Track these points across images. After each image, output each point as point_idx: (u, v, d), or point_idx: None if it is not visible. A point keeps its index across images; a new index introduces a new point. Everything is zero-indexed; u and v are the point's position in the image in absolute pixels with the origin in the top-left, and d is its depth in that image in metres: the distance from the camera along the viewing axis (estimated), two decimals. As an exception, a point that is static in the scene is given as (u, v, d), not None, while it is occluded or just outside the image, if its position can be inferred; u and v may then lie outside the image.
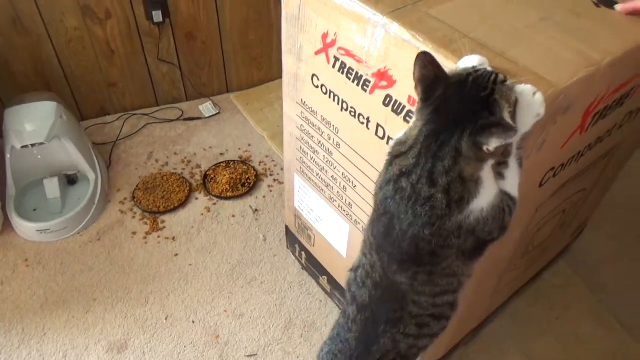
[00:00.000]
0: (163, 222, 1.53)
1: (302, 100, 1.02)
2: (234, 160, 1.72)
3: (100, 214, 1.55)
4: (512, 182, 0.67)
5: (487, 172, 0.62)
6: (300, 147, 1.12)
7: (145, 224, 1.52)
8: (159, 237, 1.49)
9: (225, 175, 1.65)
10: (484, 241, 0.68)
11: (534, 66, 0.67)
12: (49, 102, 1.52)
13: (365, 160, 0.92)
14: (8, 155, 1.48)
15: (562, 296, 1.36)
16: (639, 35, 0.75)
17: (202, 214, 1.56)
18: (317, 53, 0.91)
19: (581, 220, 1.31)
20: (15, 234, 1.48)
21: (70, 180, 1.60)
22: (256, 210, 1.57)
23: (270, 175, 1.69)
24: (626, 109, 0.89)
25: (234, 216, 1.55)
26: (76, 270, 1.39)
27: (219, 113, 1.93)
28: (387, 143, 0.84)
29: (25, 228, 1.45)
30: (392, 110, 0.80)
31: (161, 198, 1.58)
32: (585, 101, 0.73)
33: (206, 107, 1.94)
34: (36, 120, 1.47)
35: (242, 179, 1.65)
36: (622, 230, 1.54)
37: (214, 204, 1.59)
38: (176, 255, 1.44)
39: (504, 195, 0.66)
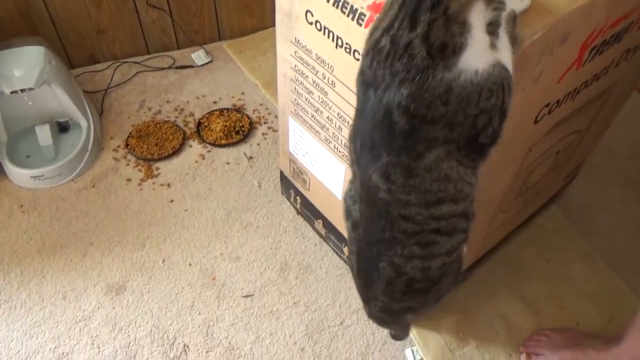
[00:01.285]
0: (157, 169, 1.53)
1: (295, 38, 1.00)
2: (228, 109, 1.70)
3: (94, 161, 1.54)
4: (505, 53, 0.59)
5: (476, 21, 0.55)
6: (295, 89, 1.10)
7: (140, 171, 1.52)
8: (153, 183, 1.49)
9: (219, 123, 1.63)
10: (480, 136, 0.59)
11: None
12: (37, 47, 1.48)
13: (361, 99, 0.91)
14: (-3, 102, 1.46)
15: (553, 240, 1.39)
16: (641, -36, 0.74)
17: (197, 161, 1.55)
18: (314, -14, 0.88)
19: (575, 163, 1.32)
20: (9, 180, 1.47)
21: (62, 127, 1.58)
22: (250, 157, 1.57)
23: (265, 123, 1.68)
24: (623, 45, 0.88)
25: (228, 163, 1.55)
26: (72, 216, 1.40)
27: (211, 61, 1.89)
28: (383, 79, 0.83)
29: (18, 174, 1.45)
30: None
31: (155, 145, 1.57)
32: (584, 32, 0.72)
33: (198, 56, 1.90)
34: (25, 66, 1.44)
35: (236, 127, 1.64)
36: (614, 175, 1.55)
37: (208, 151, 1.58)
38: (171, 201, 1.44)
39: (502, 69, 0.58)
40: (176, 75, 1.83)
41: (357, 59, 0.86)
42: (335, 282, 1.26)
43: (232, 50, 1.94)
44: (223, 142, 1.60)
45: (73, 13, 1.70)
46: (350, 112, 0.96)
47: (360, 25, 0.82)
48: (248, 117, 1.67)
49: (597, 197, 1.50)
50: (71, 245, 1.33)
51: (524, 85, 0.71)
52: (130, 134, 1.61)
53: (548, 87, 0.77)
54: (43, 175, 1.44)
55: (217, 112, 1.68)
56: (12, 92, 1.41)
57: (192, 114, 1.70)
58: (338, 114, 1.00)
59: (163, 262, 1.29)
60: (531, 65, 0.68)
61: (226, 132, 1.61)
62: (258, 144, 1.61)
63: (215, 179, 1.51)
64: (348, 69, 0.91)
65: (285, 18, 1.00)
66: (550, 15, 0.63)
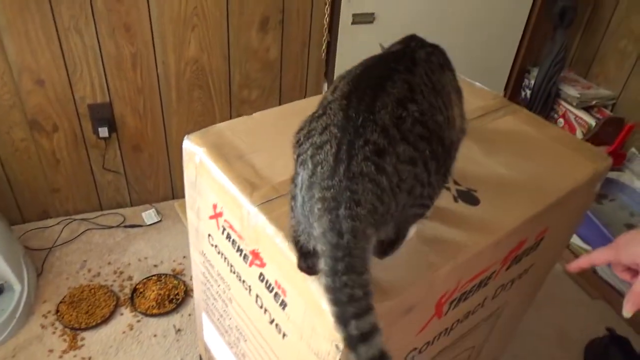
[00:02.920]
0: (83, 339, 1.53)
1: (202, 251, 1.08)
2: (166, 274, 1.74)
3: (21, 328, 1.54)
4: None
5: None
6: (204, 291, 1.15)
7: (65, 340, 1.52)
8: (75, 356, 1.48)
9: (154, 291, 1.66)
10: None
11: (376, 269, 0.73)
12: (-18, 215, 1.56)
13: (251, 322, 0.96)
14: None
15: None
16: (493, 235, 0.82)
17: (124, 332, 1.56)
18: (210, 218, 0.97)
19: (484, 364, 1.35)
20: None
21: (-3, 289, 1.61)
22: (179, 330, 1.58)
23: (200, 291, 1.71)
24: (493, 286, 0.96)
25: (155, 336, 1.56)
26: (-17, 391, 1.37)
27: (160, 221, 1.97)
28: (265, 313, 0.88)
29: (-62, 343, 1.44)
30: (265, 287, 0.85)
31: (85, 313, 1.58)
32: (431, 298, 0.79)
33: (149, 215, 1.98)
34: (-34, 233, 1.50)
35: (171, 295, 1.67)
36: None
37: (138, 321, 1.60)
38: (88, 378, 1.43)
39: None
40: (123, 234, 1.90)
41: (245, 289, 0.92)
42: None
43: (181, 210, 2.03)
44: (154, 311, 1.61)
45: (30, 174, 1.81)
46: (245, 328, 1.00)
47: (246, 263, 0.89)
48: (184, 284, 1.71)
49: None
50: None
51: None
52: (63, 299, 1.62)
53: (409, 338, 0.83)
54: (-37, 344, 1.44)
55: (155, 278, 1.72)
56: (-53, 260, 1.45)
57: (130, 278, 1.73)
58: (236, 326, 1.04)
59: None
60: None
61: (159, 300, 1.64)
62: (189, 315, 1.63)
63: (139, 353, 1.50)
64: (240, 293, 0.96)
65: (194, 232, 1.08)
66: (386, 302, 0.69)
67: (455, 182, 0.92)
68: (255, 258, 0.85)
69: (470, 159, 0.98)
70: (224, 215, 0.91)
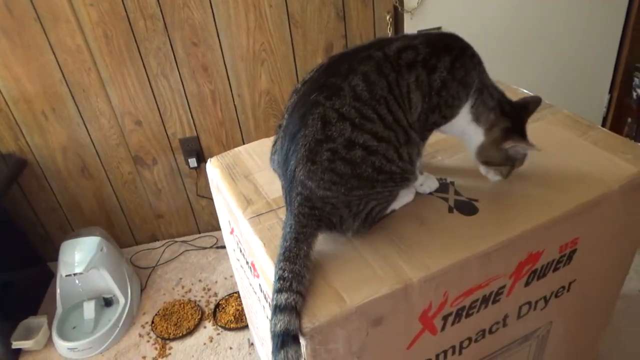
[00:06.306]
0: (170, 348, 1.70)
1: (235, 266, 1.15)
2: (246, 291, 1.86)
3: (123, 336, 1.77)
4: None
5: None
6: (245, 304, 1.23)
7: (156, 349, 1.70)
8: (162, 364, 1.65)
9: (233, 306, 1.79)
10: None
11: (337, 280, 0.73)
12: (94, 238, 1.83)
13: (267, 333, 1.00)
14: (57, 281, 1.79)
15: None
16: (478, 246, 0.77)
17: (205, 344, 1.70)
18: (230, 234, 1.05)
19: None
20: (55, 348, 1.75)
21: (107, 302, 1.87)
22: (252, 344, 1.68)
23: (275, 308, 1.79)
24: (517, 302, 0.88)
25: (231, 348, 1.67)
26: (88, 389, 1.60)
27: (248, 242, 2.12)
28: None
29: (59, 345, 1.72)
30: (264, 298, 0.89)
31: (174, 325, 1.76)
32: (409, 311, 0.76)
33: (238, 236, 2.15)
34: (81, 253, 1.78)
35: (248, 311, 1.78)
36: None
37: (218, 333, 1.73)
38: (170, 384, 1.58)
39: None
40: (214, 255, 2.08)
41: (258, 300, 0.98)
42: None
43: (268, 232, 2.15)
44: (232, 326, 1.74)
45: (138, 204, 2.08)
46: (268, 341, 1.05)
47: (252, 274, 0.94)
48: (262, 301, 1.81)
49: None
50: (77, 419, 1.50)
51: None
52: (158, 311, 1.83)
53: (397, 353, 0.80)
54: (77, 348, 1.69)
55: (236, 295, 1.85)
56: (66, 275, 1.74)
57: (215, 294, 1.89)
58: (264, 337, 1.09)
59: None
60: (347, 345, 0.73)
61: (237, 316, 1.76)
62: (263, 330, 1.72)
63: (214, 364, 1.63)
64: (257, 304, 1.02)
65: (229, 249, 1.17)
66: (345, 307, 0.69)
67: (457, 193, 0.88)
68: (254, 269, 0.91)
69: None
70: (235, 232, 0.98)
